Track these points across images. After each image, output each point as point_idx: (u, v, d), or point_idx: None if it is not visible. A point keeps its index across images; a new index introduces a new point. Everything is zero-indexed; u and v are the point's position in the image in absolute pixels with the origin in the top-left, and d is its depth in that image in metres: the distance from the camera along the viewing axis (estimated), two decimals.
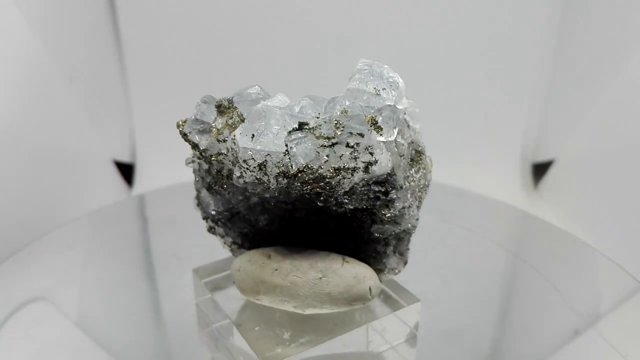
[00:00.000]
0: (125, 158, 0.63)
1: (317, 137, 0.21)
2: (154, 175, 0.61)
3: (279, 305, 0.26)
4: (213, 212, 0.27)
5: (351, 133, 0.21)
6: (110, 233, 0.41)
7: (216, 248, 0.38)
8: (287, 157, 0.21)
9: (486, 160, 0.62)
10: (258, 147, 0.21)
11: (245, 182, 0.22)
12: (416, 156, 0.25)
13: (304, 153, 0.20)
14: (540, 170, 0.64)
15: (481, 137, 0.62)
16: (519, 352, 0.29)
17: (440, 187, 0.47)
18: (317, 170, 0.21)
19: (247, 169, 0.21)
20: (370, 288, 0.25)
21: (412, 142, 0.24)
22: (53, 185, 0.49)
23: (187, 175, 0.54)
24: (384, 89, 0.22)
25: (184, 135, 0.24)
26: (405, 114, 0.24)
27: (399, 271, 0.27)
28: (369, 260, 0.27)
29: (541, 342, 0.29)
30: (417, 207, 0.25)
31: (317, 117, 0.21)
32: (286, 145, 0.21)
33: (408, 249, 0.27)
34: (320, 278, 0.25)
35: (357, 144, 0.21)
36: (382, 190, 0.23)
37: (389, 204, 0.23)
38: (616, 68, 0.53)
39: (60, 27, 0.52)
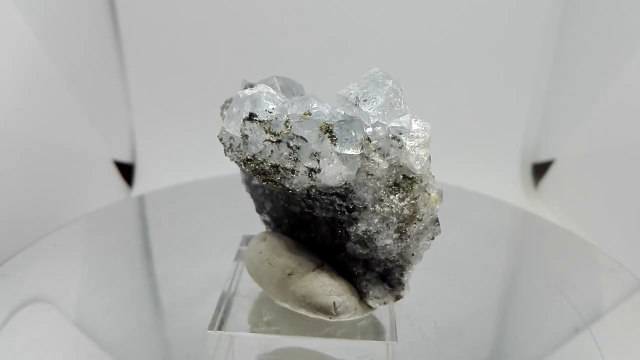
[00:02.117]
0: (125, 158, 0.63)
1: (265, 132, 0.21)
2: (154, 175, 0.61)
3: (260, 286, 0.27)
4: (243, 186, 0.29)
5: (295, 135, 0.21)
6: (110, 233, 0.41)
7: (216, 249, 0.38)
8: (243, 143, 0.22)
9: (486, 160, 0.62)
10: (226, 129, 0.22)
11: (232, 160, 0.23)
12: (403, 182, 0.22)
13: (255, 143, 0.21)
14: (540, 170, 0.64)
15: (481, 137, 0.63)
16: (520, 351, 0.29)
17: (440, 187, 0.47)
18: (261, 162, 0.21)
19: (224, 148, 0.22)
20: (334, 304, 0.25)
21: (401, 166, 0.22)
22: (53, 186, 0.49)
23: (187, 176, 0.54)
24: (365, 100, 0.22)
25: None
26: (400, 133, 0.22)
27: (386, 303, 0.26)
28: (352, 279, 0.26)
29: (542, 341, 0.29)
30: (400, 238, 0.23)
31: (270, 112, 0.21)
32: (241, 132, 0.21)
33: (402, 284, 0.25)
34: (289, 274, 0.25)
35: (298, 147, 0.21)
36: (345, 205, 0.23)
37: (353, 222, 0.23)
38: (616, 68, 0.53)
39: (60, 27, 0.52)
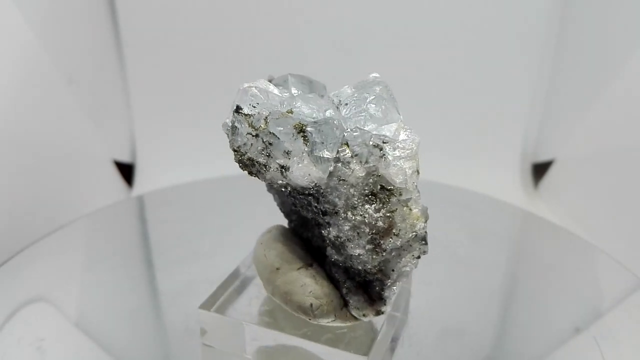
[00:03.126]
0: (125, 158, 0.63)
1: (249, 125, 0.22)
2: (154, 175, 0.61)
3: (260, 277, 0.27)
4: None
5: (269, 131, 0.21)
6: (110, 233, 0.41)
7: (216, 249, 0.38)
8: (232, 134, 0.22)
9: (486, 160, 0.62)
10: (227, 119, 0.23)
11: None
12: (381, 193, 0.21)
13: (241, 135, 0.22)
14: (540, 170, 0.64)
15: (481, 137, 0.62)
16: (520, 350, 0.29)
17: (441, 187, 0.47)
18: (243, 155, 0.22)
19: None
20: (311, 305, 0.24)
21: (379, 176, 0.21)
22: (53, 186, 0.49)
23: (187, 176, 0.54)
24: (346, 104, 0.22)
25: None
26: (384, 142, 0.21)
27: (365, 316, 0.25)
28: (337, 284, 0.25)
29: (542, 341, 0.29)
30: (374, 250, 0.22)
31: (254, 107, 0.22)
32: (232, 123, 0.22)
33: (382, 299, 0.24)
34: (277, 269, 0.26)
35: (270, 143, 0.21)
36: (319, 207, 0.22)
37: (326, 225, 0.23)
38: (616, 68, 0.53)
39: (60, 28, 0.52)
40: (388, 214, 0.21)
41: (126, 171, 0.62)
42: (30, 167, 0.46)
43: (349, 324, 0.26)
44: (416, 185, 0.22)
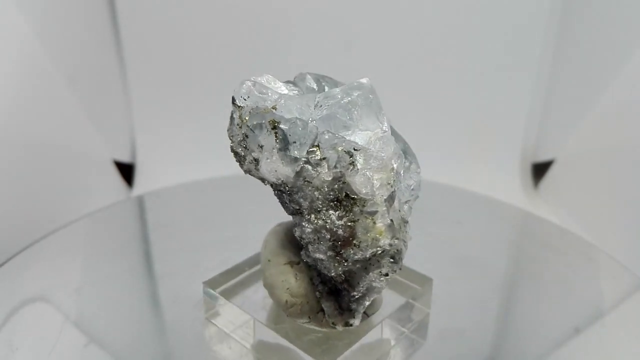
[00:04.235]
0: (125, 158, 0.63)
1: (238, 117, 0.22)
2: (154, 175, 0.61)
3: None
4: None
5: (247, 124, 0.22)
6: (110, 233, 0.41)
7: (216, 248, 0.38)
8: (230, 124, 0.23)
9: (486, 160, 0.62)
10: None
11: None
12: (346, 201, 0.21)
13: (235, 125, 0.22)
14: (540, 170, 0.64)
15: (481, 137, 0.63)
16: (521, 350, 0.29)
17: (441, 187, 0.47)
18: (232, 143, 0.23)
19: None
20: (286, 302, 0.24)
21: (345, 183, 0.21)
22: (53, 186, 0.49)
23: (188, 176, 0.54)
24: (321, 106, 0.21)
25: None
26: (355, 149, 0.21)
27: (335, 324, 0.24)
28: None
29: (542, 341, 0.29)
30: (335, 258, 0.22)
31: (245, 99, 0.22)
32: (232, 113, 0.23)
33: (351, 311, 0.24)
34: (268, 261, 0.26)
35: (247, 135, 0.22)
36: (290, 204, 0.22)
37: (295, 224, 0.23)
38: (616, 68, 0.53)
39: (61, 27, 0.52)
40: (349, 223, 0.21)
41: (126, 171, 0.62)
42: (31, 167, 0.46)
43: (324, 329, 0.25)
44: (385, 199, 0.21)
